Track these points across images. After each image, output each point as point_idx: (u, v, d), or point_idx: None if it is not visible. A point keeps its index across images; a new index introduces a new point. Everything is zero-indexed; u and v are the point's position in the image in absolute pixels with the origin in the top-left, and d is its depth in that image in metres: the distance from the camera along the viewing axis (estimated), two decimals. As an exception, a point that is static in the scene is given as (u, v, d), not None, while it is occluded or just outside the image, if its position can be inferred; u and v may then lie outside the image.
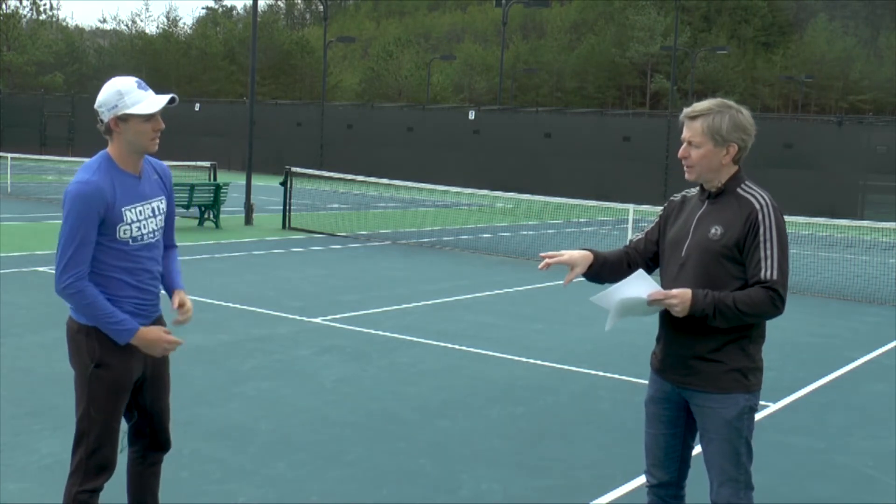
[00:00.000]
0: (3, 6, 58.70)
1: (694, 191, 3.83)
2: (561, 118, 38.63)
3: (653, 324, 3.87)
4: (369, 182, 22.99)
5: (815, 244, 20.29)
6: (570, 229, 21.66)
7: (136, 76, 3.78)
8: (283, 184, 19.05)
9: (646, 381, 3.99)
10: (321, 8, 79.19)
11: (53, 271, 3.64)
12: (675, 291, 3.52)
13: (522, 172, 33.71)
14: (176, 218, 4.40)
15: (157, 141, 3.69)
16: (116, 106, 3.59)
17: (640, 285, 3.58)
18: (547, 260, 3.78)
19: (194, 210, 18.97)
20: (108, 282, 3.66)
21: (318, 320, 9.87)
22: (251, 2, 32.49)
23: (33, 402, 6.59)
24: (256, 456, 5.69)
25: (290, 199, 19.04)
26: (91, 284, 3.61)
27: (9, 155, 27.11)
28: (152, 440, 3.99)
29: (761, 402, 3.86)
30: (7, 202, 21.87)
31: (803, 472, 5.94)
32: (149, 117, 3.62)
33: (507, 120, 37.25)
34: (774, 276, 3.50)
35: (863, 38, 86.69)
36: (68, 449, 3.89)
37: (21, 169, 31.53)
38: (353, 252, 15.93)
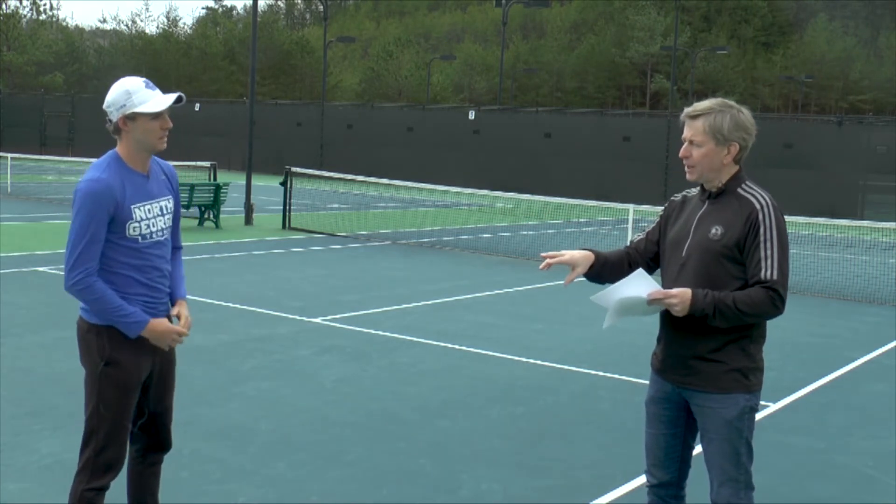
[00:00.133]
0: (3, 6, 58.70)
1: (694, 191, 3.83)
2: (561, 118, 38.64)
3: (653, 324, 3.87)
4: (369, 182, 23.00)
5: (815, 244, 20.29)
6: (570, 229, 21.66)
7: (137, 76, 3.82)
8: (283, 184, 19.06)
9: (646, 381, 3.99)
10: (321, 8, 79.22)
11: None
12: (674, 291, 3.52)
13: (522, 172, 33.71)
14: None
15: (165, 139, 3.75)
16: (125, 105, 3.65)
17: (640, 284, 3.58)
18: (548, 260, 3.78)
19: (194, 210, 18.97)
20: (118, 279, 3.70)
21: (318, 320, 9.87)
22: (251, 2, 32.51)
23: (33, 402, 6.59)
24: (256, 456, 5.69)
25: (290, 199, 19.04)
26: (100, 280, 3.65)
27: (9, 155, 27.11)
28: (153, 439, 4.00)
29: (761, 402, 3.86)
30: (7, 202, 21.87)
31: (803, 472, 5.94)
32: (156, 115, 3.68)
33: (507, 120, 37.25)
34: (775, 276, 3.50)
35: (863, 38, 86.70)
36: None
37: (21, 169, 31.54)
38: (353, 252, 15.93)
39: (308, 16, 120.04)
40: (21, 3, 61.39)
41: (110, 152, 3.77)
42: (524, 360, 8.54)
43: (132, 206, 3.68)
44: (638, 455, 4.35)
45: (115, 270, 3.70)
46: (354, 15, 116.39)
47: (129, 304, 3.70)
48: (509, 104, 61.47)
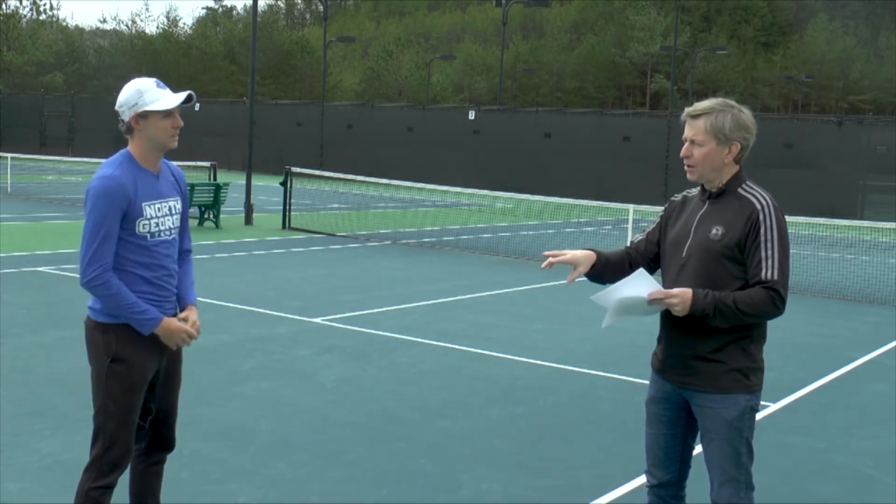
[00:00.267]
0: (3, 6, 58.71)
1: (695, 191, 3.83)
2: (561, 118, 38.63)
3: (653, 324, 3.87)
4: (369, 182, 23.00)
5: (815, 244, 20.29)
6: (570, 229, 21.66)
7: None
8: (283, 184, 19.06)
9: (646, 381, 3.99)
10: (321, 8, 79.21)
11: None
12: (675, 291, 3.52)
13: (522, 172, 33.70)
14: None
15: (177, 137, 3.80)
16: (137, 104, 3.71)
17: (640, 284, 3.58)
18: (550, 259, 3.79)
19: (194, 210, 18.95)
20: (126, 276, 3.73)
21: (318, 320, 9.87)
22: (251, 2, 32.51)
23: (33, 402, 6.59)
24: (256, 456, 5.69)
25: (290, 199, 19.04)
26: (115, 276, 3.68)
27: (9, 155, 27.10)
28: (157, 438, 4.02)
29: (761, 402, 3.85)
30: (7, 202, 21.86)
31: (803, 472, 5.94)
32: (167, 114, 3.74)
33: (507, 120, 37.24)
34: (775, 276, 3.50)
35: (863, 38, 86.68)
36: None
37: (21, 169, 31.54)
38: (353, 252, 15.93)
39: (308, 16, 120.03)
40: (21, 3, 61.45)
41: (122, 151, 3.82)
42: (524, 360, 8.54)
43: (143, 204, 3.73)
44: (638, 455, 4.34)
45: (123, 268, 3.73)
46: (354, 15, 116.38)
47: None
48: (509, 104, 61.47)
